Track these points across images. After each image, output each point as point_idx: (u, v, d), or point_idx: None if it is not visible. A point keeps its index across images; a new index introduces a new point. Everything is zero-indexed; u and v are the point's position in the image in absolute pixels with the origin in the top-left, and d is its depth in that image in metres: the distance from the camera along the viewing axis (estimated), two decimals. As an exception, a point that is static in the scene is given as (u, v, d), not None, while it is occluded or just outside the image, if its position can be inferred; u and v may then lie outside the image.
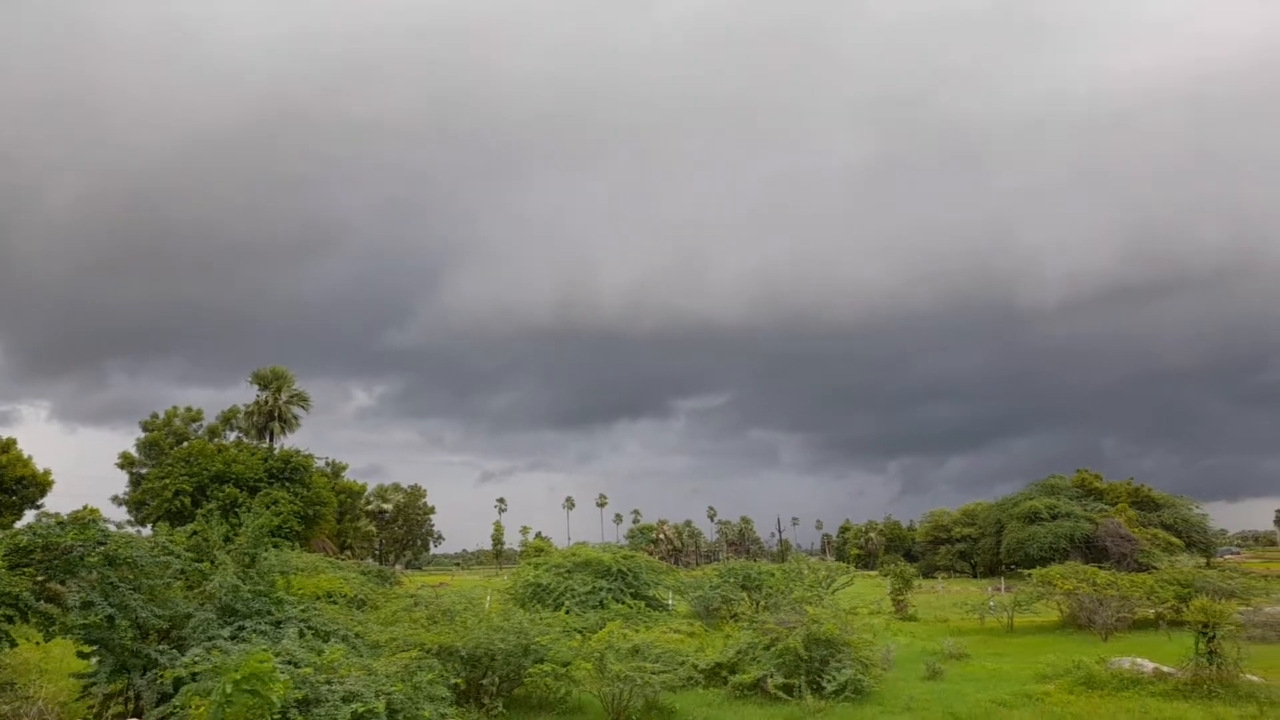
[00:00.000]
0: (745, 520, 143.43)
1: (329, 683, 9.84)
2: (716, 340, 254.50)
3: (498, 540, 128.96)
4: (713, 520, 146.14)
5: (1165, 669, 17.54)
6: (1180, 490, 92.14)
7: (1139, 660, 18.52)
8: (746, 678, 16.82)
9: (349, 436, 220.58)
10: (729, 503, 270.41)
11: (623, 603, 27.44)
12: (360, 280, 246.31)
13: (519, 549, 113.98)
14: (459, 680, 13.72)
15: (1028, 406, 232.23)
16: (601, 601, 27.49)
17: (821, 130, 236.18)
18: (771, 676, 16.54)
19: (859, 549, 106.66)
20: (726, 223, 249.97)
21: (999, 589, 42.06)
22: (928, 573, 74.10)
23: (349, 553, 71.99)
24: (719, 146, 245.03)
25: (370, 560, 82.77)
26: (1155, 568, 41.66)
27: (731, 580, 31.61)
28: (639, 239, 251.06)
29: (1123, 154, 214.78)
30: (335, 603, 20.00)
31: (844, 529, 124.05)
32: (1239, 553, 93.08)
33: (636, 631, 17.80)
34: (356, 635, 14.55)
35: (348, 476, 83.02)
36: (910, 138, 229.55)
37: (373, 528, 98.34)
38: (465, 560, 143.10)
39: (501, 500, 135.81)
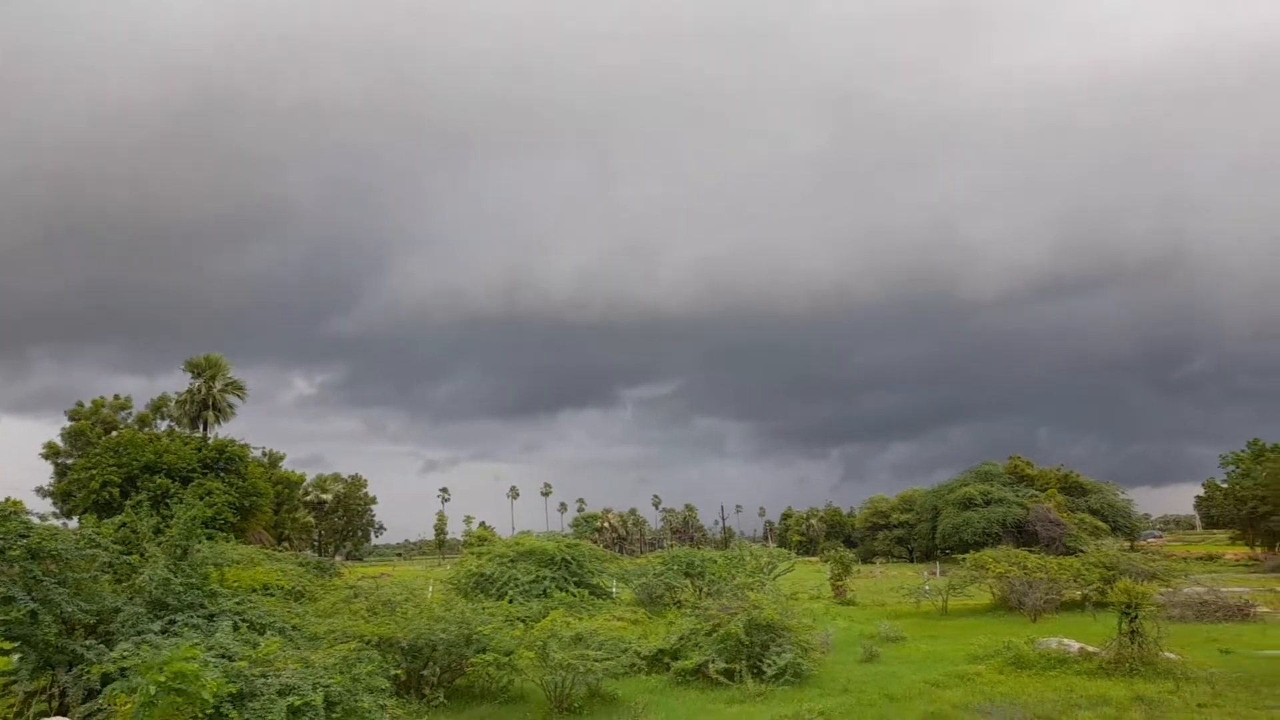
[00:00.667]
0: (690, 508, 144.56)
1: (264, 676, 9.66)
2: (665, 329, 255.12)
3: (441, 530, 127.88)
4: (657, 508, 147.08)
5: (1090, 648, 18.23)
6: (1108, 476, 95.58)
7: (1065, 640, 19.22)
8: (688, 663, 17.00)
9: (289, 426, 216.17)
10: (675, 491, 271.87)
11: (566, 591, 27.43)
12: (303, 265, 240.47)
13: (462, 539, 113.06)
14: (399, 671, 13.59)
15: (966, 395, 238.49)
16: (545, 590, 27.45)
17: (773, 122, 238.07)
18: (713, 662, 16.75)
19: (801, 535, 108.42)
20: (677, 212, 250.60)
21: (934, 573, 43.19)
22: (867, 558, 75.70)
23: (287, 544, 70.61)
24: (672, 135, 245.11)
25: (309, 552, 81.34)
26: (1082, 551, 43.08)
27: (675, 568, 31.80)
28: (589, 226, 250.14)
29: (1061, 150, 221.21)
30: (272, 595, 19.64)
31: (786, 516, 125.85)
32: (1161, 536, 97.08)
33: (580, 620, 17.81)
34: (294, 628, 14.29)
35: (286, 466, 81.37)
36: (859, 131, 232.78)
37: (311, 518, 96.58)
38: (407, 551, 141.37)
39: (445, 490, 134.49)
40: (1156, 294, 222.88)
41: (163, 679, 8.03)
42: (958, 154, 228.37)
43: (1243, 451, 62.37)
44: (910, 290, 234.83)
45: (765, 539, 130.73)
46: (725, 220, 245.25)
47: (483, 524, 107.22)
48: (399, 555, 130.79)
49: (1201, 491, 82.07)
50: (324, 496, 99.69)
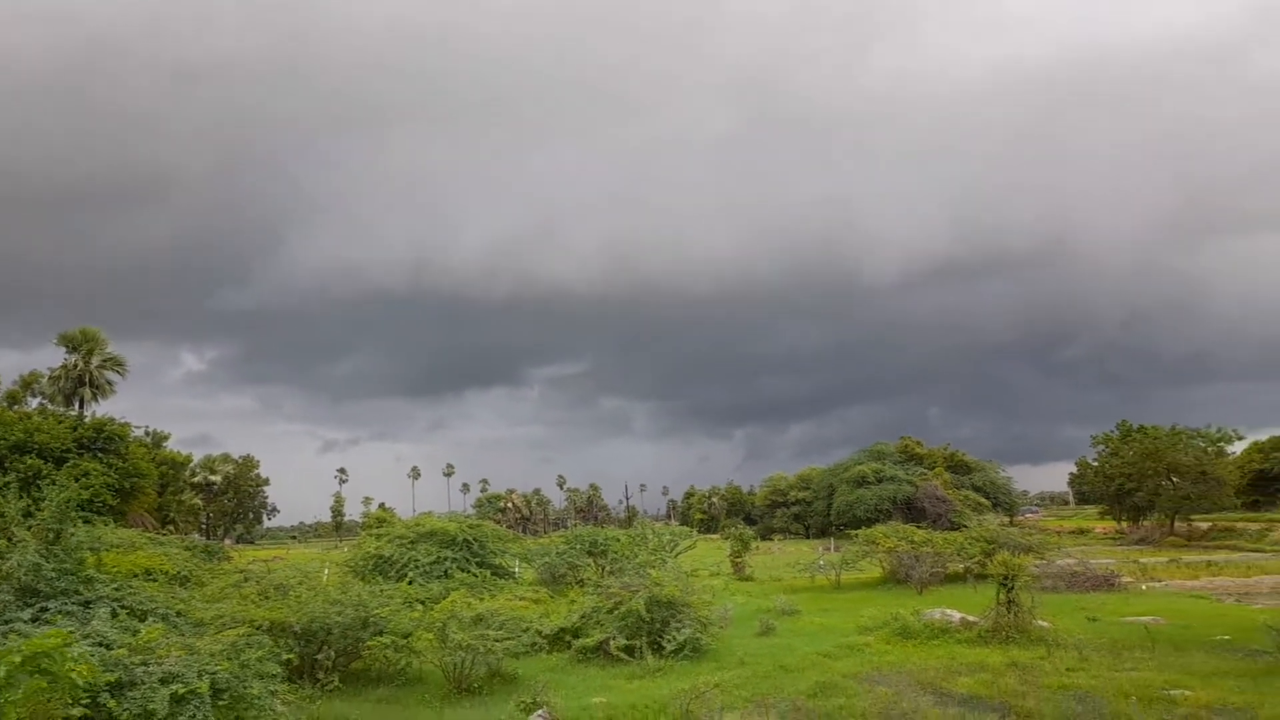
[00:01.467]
0: (594, 488, 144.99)
1: (146, 664, 9.23)
2: (573, 308, 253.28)
3: (338, 512, 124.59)
4: (562, 488, 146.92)
5: (970, 618, 19.26)
6: (991, 455, 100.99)
7: (948, 611, 20.23)
8: (589, 641, 17.14)
9: (177, 404, 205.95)
10: (581, 471, 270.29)
11: (468, 572, 27.19)
12: (194, 234, 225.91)
13: (360, 521, 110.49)
14: (291, 656, 13.23)
15: (864, 377, 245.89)
16: (446, 571, 27.14)
17: (682, 107, 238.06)
18: (614, 639, 16.94)
19: (702, 514, 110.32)
20: (587, 192, 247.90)
21: (829, 549, 44.64)
22: (765, 535, 77.75)
23: (172, 527, 67.47)
24: (583, 116, 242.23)
25: (196, 535, 78.04)
26: (966, 526, 45.44)
27: (578, 547, 31.96)
28: (497, 202, 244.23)
29: (956, 142, 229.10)
30: (155, 580, 18.83)
31: (689, 494, 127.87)
32: (1038, 511, 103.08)
33: (481, 600, 17.73)
34: (178, 614, 13.72)
35: (172, 446, 77.75)
36: (765, 119, 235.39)
37: (199, 501, 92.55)
38: (303, 533, 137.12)
39: (342, 470, 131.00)
40: (1039, 282, 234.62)
41: (18, 660, 7.49)
42: (860, 143, 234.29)
43: (1112, 432, 66.64)
44: (813, 274, 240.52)
45: (668, 517, 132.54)
46: (633, 202, 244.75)
47: (382, 505, 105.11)
48: (293, 538, 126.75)
49: (1074, 470, 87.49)
50: (212, 478, 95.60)
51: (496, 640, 14.41)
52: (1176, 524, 59.14)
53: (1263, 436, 75.08)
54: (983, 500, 68.41)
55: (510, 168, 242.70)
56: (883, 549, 31.38)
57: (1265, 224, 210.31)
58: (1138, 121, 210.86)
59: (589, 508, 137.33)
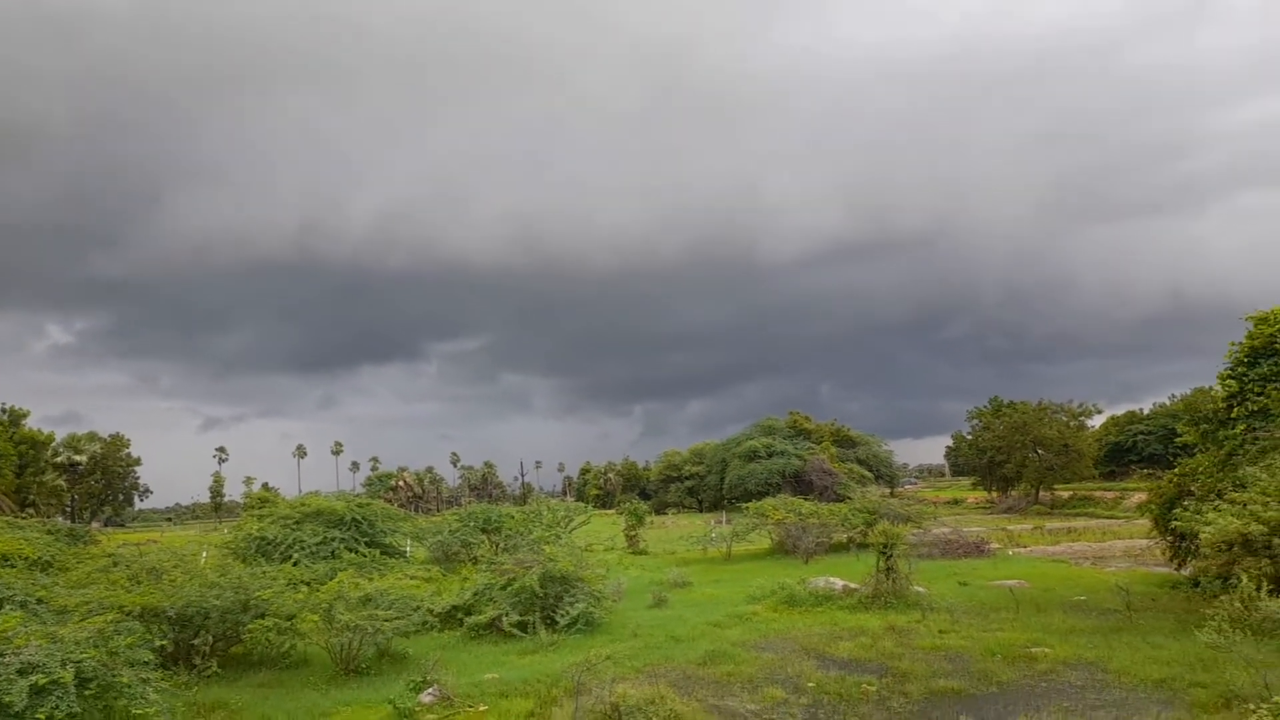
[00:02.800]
0: (488, 465, 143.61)
1: (1, 655, 8.66)
2: (473, 281, 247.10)
3: (217, 493, 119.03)
4: (456, 466, 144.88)
5: (852, 585, 20.11)
6: (878, 430, 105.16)
7: (832, 579, 21.07)
8: (482, 618, 17.06)
9: (40, 379, 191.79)
10: (480, 449, 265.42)
11: (356, 552, 26.53)
12: (61, 195, 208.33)
13: (242, 501, 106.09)
14: (165, 642, 12.66)
15: (762, 354, 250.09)
16: (334, 552, 26.39)
17: (586, 79, 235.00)
18: (507, 615, 16.92)
19: (598, 489, 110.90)
20: (486, 160, 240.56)
21: (720, 522, 45.70)
22: (660, 509, 78.92)
23: (32, 510, 63.11)
24: (484, 84, 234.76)
25: (60, 518, 73.25)
26: (850, 498, 47.25)
27: (471, 524, 31.67)
28: (393, 168, 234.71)
29: (854, 122, 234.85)
30: (13, 566, 17.75)
31: (584, 470, 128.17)
32: (916, 483, 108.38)
33: (370, 580, 17.33)
34: (39, 600, 12.93)
35: (34, 424, 72.81)
36: (671, 90, 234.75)
37: (63, 482, 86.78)
38: (179, 515, 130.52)
39: (222, 449, 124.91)
40: (927, 262, 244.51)
41: None
42: (761, 122, 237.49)
43: (984, 407, 70.49)
44: (714, 251, 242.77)
45: (564, 494, 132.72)
46: (535, 173, 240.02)
47: (265, 485, 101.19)
48: (169, 520, 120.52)
49: (950, 443, 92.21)
50: (77, 458, 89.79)
51: (386, 620, 14.14)
52: (1041, 493, 63.20)
53: (1120, 411, 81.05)
54: (866, 473, 71.33)
55: (408, 133, 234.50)
56: (772, 521, 32.36)
57: (1132, 212, 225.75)
58: (1021, 109, 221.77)
59: (484, 485, 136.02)
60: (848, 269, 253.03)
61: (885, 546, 19.43)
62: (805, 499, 39.42)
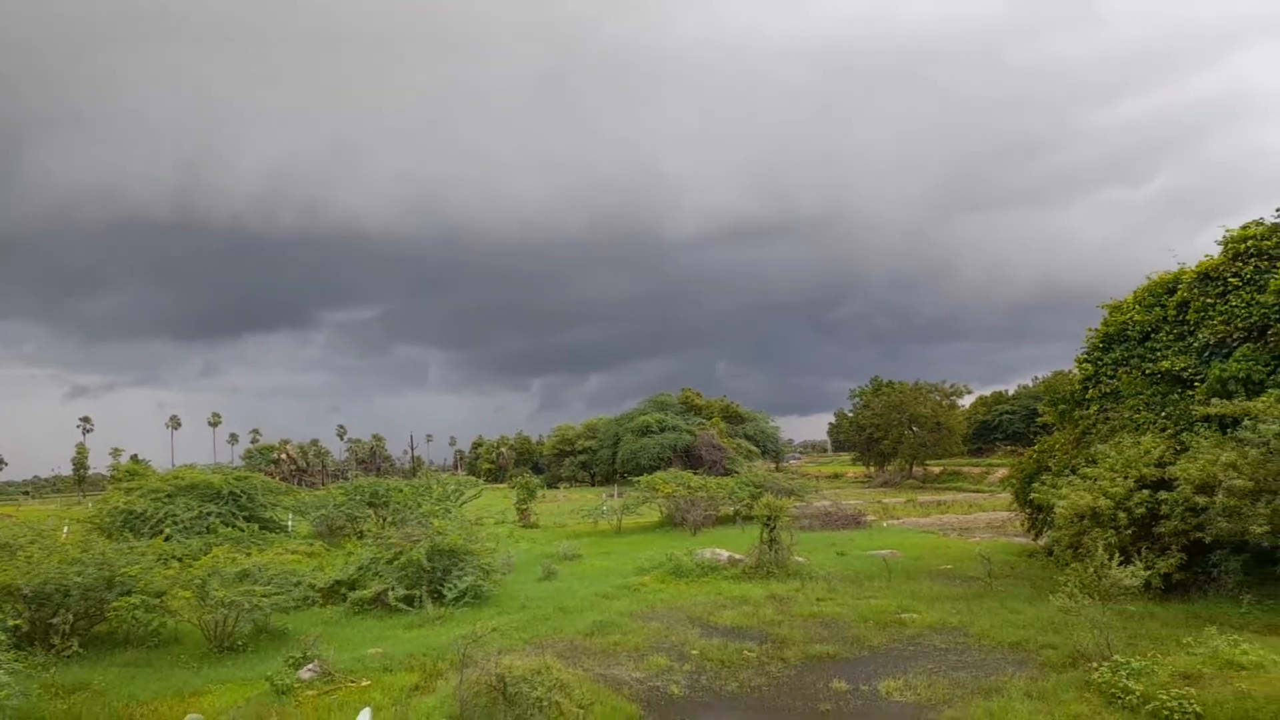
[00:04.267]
0: (377, 438, 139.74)
1: None
2: (368, 247, 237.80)
3: (80, 465, 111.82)
4: (343, 439, 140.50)
5: (737, 556, 20.71)
6: (768, 406, 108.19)
7: (718, 551, 21.64)
8: (367, 593, 16.75)
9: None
10: (371, 422, 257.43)
11: (234, 526, 25.56)
12: None
13: (109, 474, 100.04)
14: (19, 621, 11.92)
15: (662, 330, 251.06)
16: (209, 526, 25.35)
17: (494, 45, 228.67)
18: (393, 589, 16.67)
19: (491, 463, 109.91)
20: (384, 121, 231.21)
21: (612, 495, 46.12)
22: (552, 483, 78.92)
23: None
24: (385, 41, 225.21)
25: (-103, 492, 67.38)
26: (738, 472, 48.49)
27: (358, 498, 30.95)
28: (281, 126, 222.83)
29: (755, 103, 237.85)
30: None
31: (476, 444, 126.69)
32: (800, 458, 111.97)
33: (248, 555, 16.72)
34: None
35: None
36: (577, 63, 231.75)
37: (-100, 453, 79.72)
38: (38, 489, 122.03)
39: (86, 419, 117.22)
40: (821, 244, 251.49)
41: None
42: (664, 99, 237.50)
43: (865, 386, 73.37)
44: (617, 227, 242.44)
45: (455, 468, 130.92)
46: (435, 138, 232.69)
47: (134, 457, 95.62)
48: (26, 494, 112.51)
49: (833, 420, 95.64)
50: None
51: (264, 596, 13.71)
52: (915, 468, 66.45)
53: (988, 392, 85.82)
54: (753, 448, 73.13)
55: (298, 88, 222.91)
56: (662, 494, 32.91)
57: (1014, 200, 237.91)
58: (915, 98, 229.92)
59: (372, 459, 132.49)
60: (746, 249, 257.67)
61: (769, 519, 20.05)
62: (695, 473, 40.20)
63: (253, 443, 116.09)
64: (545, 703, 8.49)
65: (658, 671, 11.87)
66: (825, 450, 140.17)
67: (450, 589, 16.66)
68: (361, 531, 27.98)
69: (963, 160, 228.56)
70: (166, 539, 22.39)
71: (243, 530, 25.07)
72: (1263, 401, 14.32)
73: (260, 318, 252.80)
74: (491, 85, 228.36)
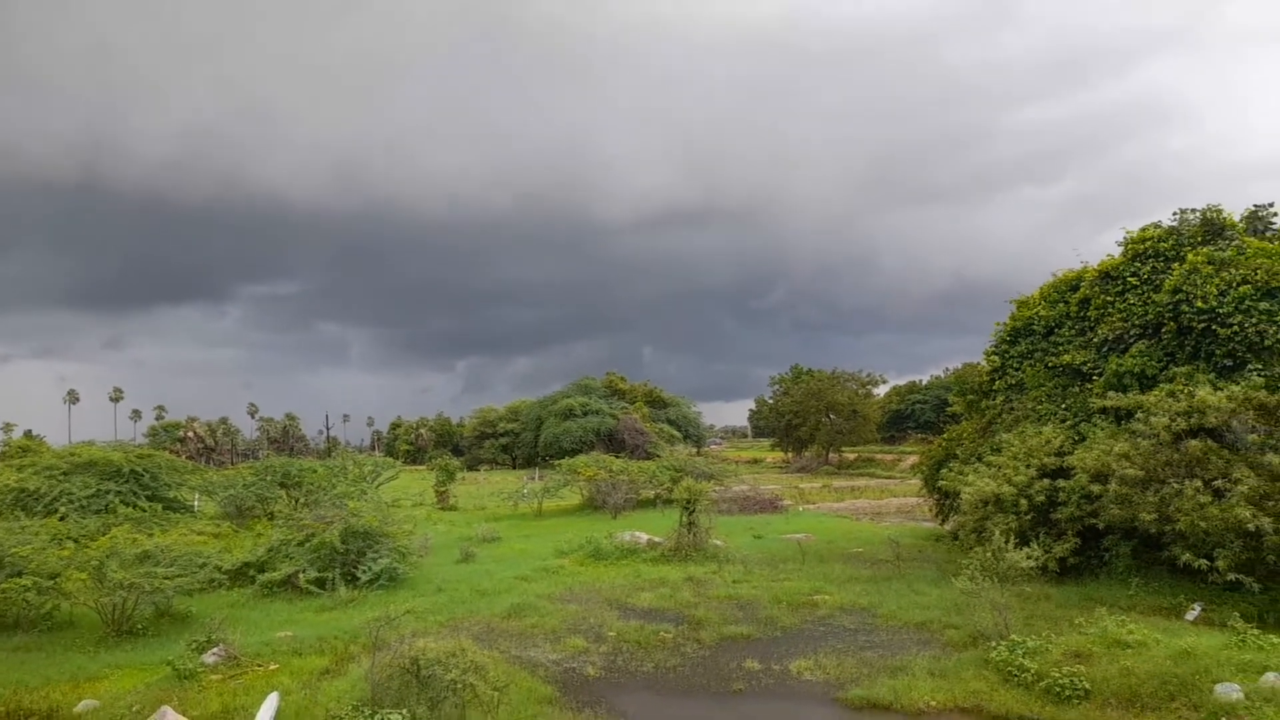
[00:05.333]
0: (290, 417, 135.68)
1: None
2: (290, 219, 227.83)
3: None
4: (254, 418, 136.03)
5: (656, 539, 20.90)
6: (693, 392, 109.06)
7: (638, 533, 21.80)
8: (276, 575, 16.31)
9: None
10: (287, 400, 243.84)
11: (135, 506, 24.52)
12: None
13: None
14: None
15: (592, 313, 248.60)
16: (108, 506, 24.26)
17: (420, 12, 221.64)
18: (304, 572, 16.29)
19: (409, 445, 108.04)
20: (308, 86, 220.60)
21: (534, 478, 45.97)
22: (473, 466, 78.14)
23: None
24: (311, 4, 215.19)
25: None
26: (660, 456, 48.85)
27: (269, 478, 30.04)
28: (197, 87, 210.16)
29: (688, 90, 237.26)
30: None
31: (395, 425, 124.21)
32: (721, 443, 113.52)
33: (150, 536, 16.09)
34: None
35: None
36: (511, 36, 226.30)
37: None
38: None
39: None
40: (751, 233, 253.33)
41: None
42: (598, 79, 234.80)
43: (785, 374, 74.72)
44: (548, 208, 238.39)
45: (372, 449, 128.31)
46: (366, 106, 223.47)
47: (28, 433, 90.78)
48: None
49: (753, 406, 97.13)
50: None
51: (167, 578, 13.22)
52: (831, 455, 68.06)
53: (903, 381, 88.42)
54: (675, 433, 73.81)
55: (216, 50, 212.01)
56: (584, 477, 32.96)
57: (936, 197, 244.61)
58: (847, 92, 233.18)
59: (284, 439, 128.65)
60: (677, 234, 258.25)
61: (689, 502, 20.29)
62: (617, 457, 40.36)
63: (157, 420, 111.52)
64: (460, 684, 8.43)
65: (574, 653, 11.92)
66: (746, 436, 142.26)
67: (364, 571, 16.37)
68: (272, 513, 27.24)
69: (888, 154, 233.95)
70: (61, 518, 21.36)
71: (145, 510, 24.09)
72: (1154, 396, 15.13)
73: (171, 289, 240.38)
74: (419, 55, 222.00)
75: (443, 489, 38.55)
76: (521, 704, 9.48)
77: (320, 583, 16.09)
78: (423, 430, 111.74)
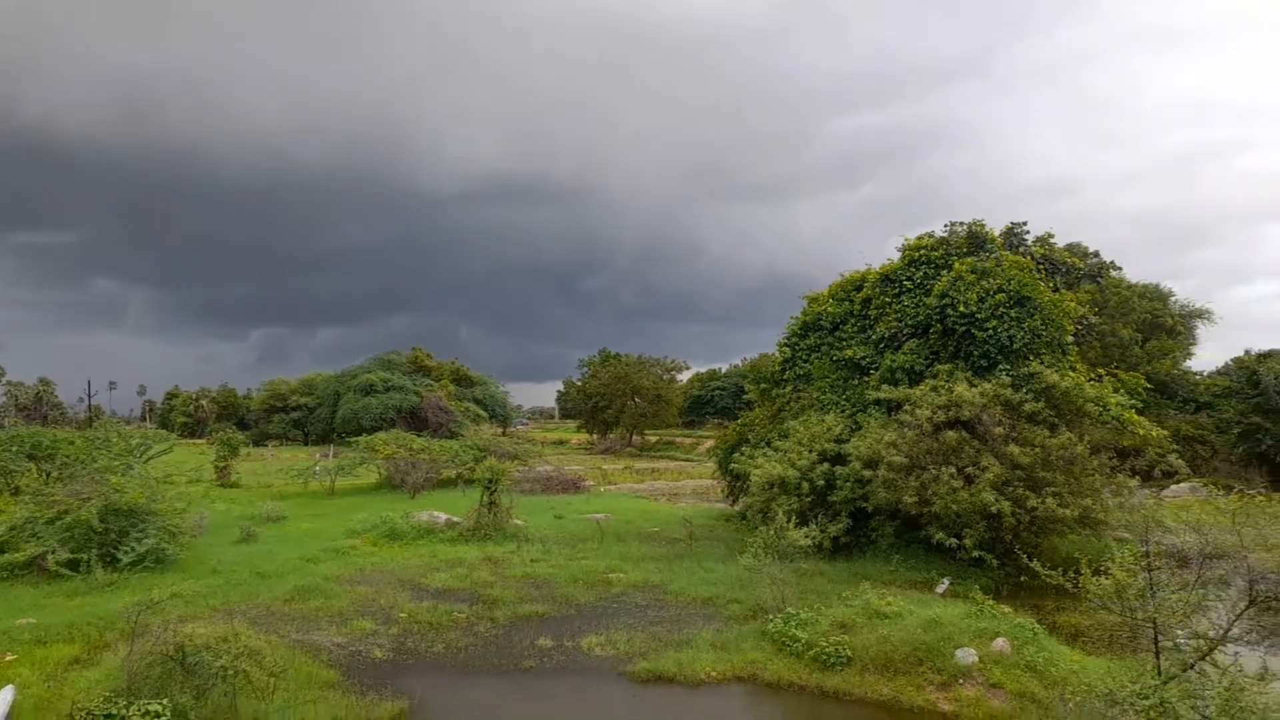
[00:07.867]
0: (45, 382, 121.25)
1: None
2: (63, 159, 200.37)
3: None
4: (0, 380, 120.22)
5: (455, 519, 20.58)
6: (507, 372, 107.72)
7: (436, 513, 21.36)
8: (19, 556, 14.64)
9: None
10: (45, 364, 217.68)
11: None
12: None
13: None
14: None
15: (412, 286, 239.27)
16: None
17: None
18: (54, 552, 14.67)
19: (187, 417, 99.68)
20: (92, 9, 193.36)
21: (327, 455, 43.81)
22: (260, 441, 73.36)
23: None
24: None
25: None
26: (464, 436, 48.03)
27: (15, 449, 26.78)
28: None
29: (529, 63, 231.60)
30: None
31: (171, 395, 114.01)
32: (528, 424, 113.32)
33: None
34: None
35: None
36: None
37: None
38: None
39: None
40: (578, 215, 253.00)
41: None
42: (430, 43, 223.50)
43: (594, 357, 75.74)
44: (367, 172, 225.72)
45: (143, 420, 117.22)
46: (158, 30, 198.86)
47: None
48: None
49: (561, 388, 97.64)
50: None
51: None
52: (634, 437, 69.81)
53: (705, 369, 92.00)
54: (482, 412, 72.74)
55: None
56: (381, 455, 31.81)
57: (753, 195, 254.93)
58: (683, 83, 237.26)
59: (37, 405, 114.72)
60: (502, 210, 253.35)
61: (490, 482, 20.14)
62: (419, 435, 39.26)
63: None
64: (230, 671, 7.91)
65: (361, 635, 11.54)
66: (553, 417, 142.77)
67: (126, 552, 14.98)
68: (17, 487, 24.32)
69: (716, 150, 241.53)
70: None
71: None
72: (920, 390, 16.70)
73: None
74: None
75: (224, 464, 35.88)
76: (301, 689, 9.08)
77: (73, 564, 14.57)
78: (204, 402, 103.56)
